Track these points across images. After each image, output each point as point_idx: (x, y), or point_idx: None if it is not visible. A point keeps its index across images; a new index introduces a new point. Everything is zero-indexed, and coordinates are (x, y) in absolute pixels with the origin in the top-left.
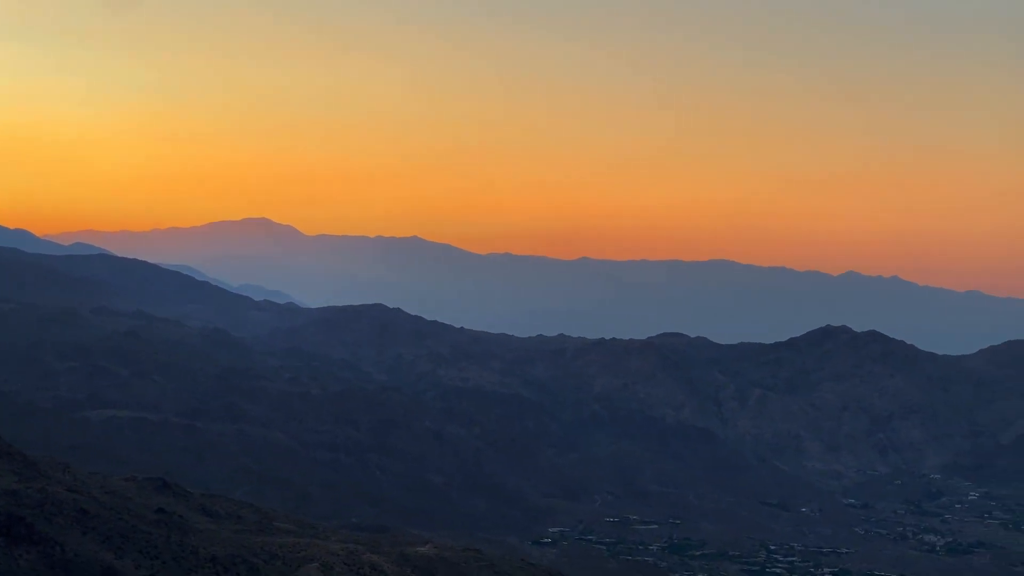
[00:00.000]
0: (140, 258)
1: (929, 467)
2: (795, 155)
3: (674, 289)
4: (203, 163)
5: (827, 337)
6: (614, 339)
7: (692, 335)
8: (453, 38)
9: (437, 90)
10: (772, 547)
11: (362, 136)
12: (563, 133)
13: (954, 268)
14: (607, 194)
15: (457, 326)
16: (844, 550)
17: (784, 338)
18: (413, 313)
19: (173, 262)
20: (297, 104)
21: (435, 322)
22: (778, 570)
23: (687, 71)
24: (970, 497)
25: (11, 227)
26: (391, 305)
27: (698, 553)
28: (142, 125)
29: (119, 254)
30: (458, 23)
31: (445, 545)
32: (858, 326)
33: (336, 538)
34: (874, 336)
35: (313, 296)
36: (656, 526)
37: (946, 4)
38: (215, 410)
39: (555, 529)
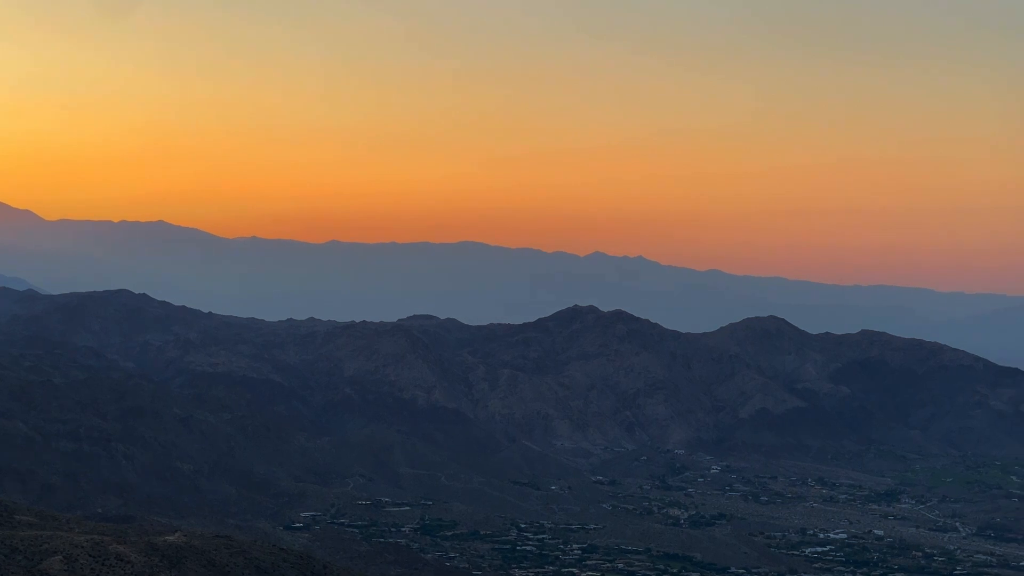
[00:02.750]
0: None
1: (673, 443)
2: (542, 135)
3: (423, 271)
4: None
5: (575, 317)
6: (364, 322)
7: (442, 317)
8: (193, 20)
9: (179, 71)
10: (523, 525)
11: (104, 119)
12: (308, 115)
13: (695, 248)
14: (355, 177)
15: (206, 311)
16: (592, 526)
17: (533, 319)
18: (160, 299)
19: None
20: (34, 84)
21: (183, 307)
22: (528, 547)
23: (425, 50)
24: (712, 471)
25: None
26: (137, 291)
27: (450, 533)
28: None
29: None
30: (198, 2)
31: (194, 533)
32: (605, 306)
33: (81, 529)
34: (620, 315)
35: (55, 282)
36: (408, 507)
37: None
38: None
39: (307, 513)
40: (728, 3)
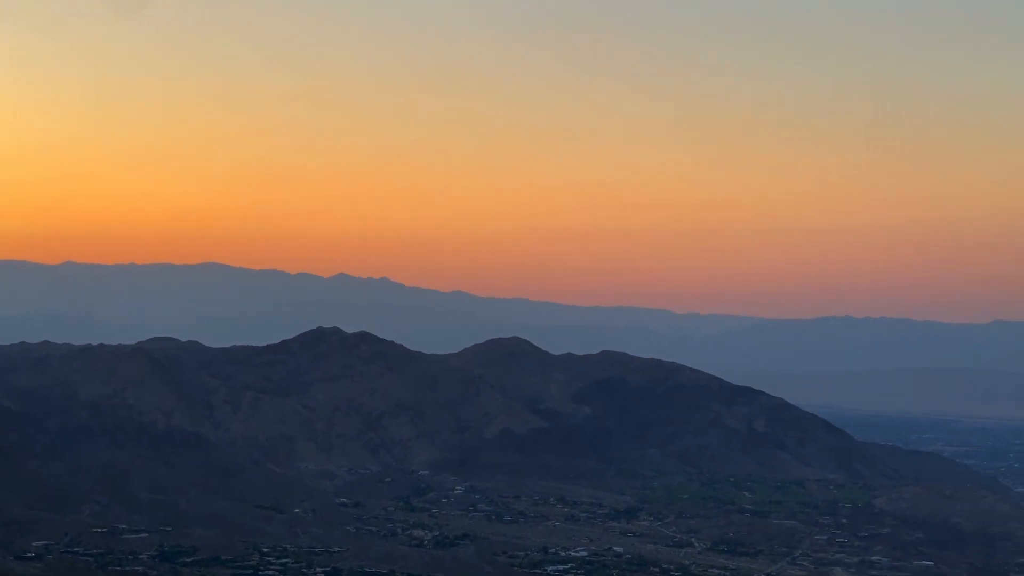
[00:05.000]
0: None
1: (418, 464)
2: (285, 154)
3: (165, 293)
4: None
5: (319, 339)
6: (102, 345)
7: (184, 339)
8: None
9: None
10: (265, 549)
11: None
12: (42, 129)
13: (439, 270)
14: (92, 195)
15: None
16: (336, 549)
17: (277, 340)
18: None
19: None
20: None
21: None
22: (271, 572)
23: (164, 62)
24: (456, 491)
25: None
26: None
27: (190, 559)
28: None
29: None
30: None
31: None
32: (350, 327)
33: None
34: (365, 337)
35: None
36: (146, 534)
37: None
38: None
39: (39, 542)
40: (477, 14)
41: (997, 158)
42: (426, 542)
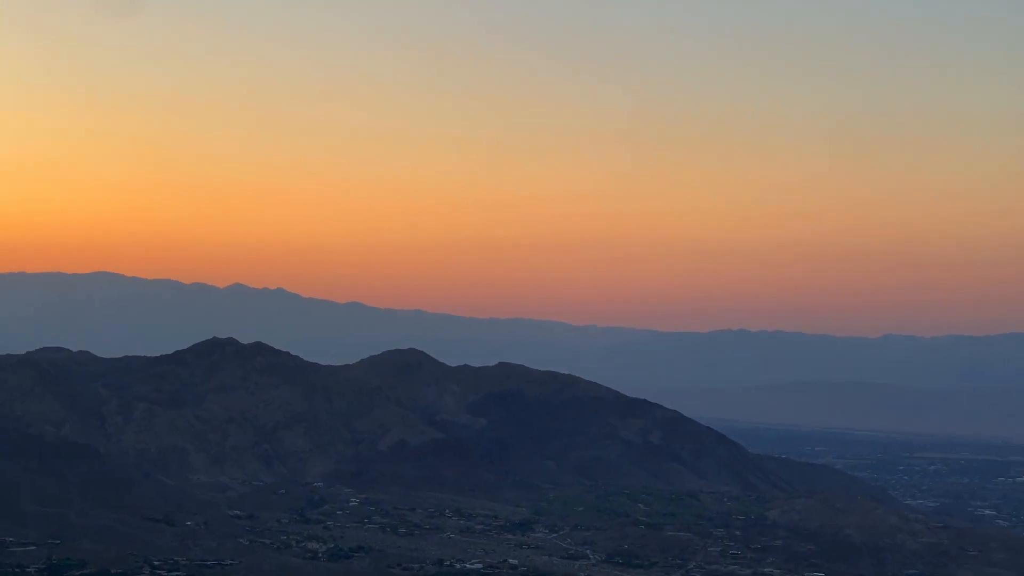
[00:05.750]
0: None
1: (312, 475)
2: (180, 163)
3: (55, 302)
4: None
5: (214, 349)
6: None
7: (75, 349)
8: None
9: None
10: (156, 563)
11: None
12: None
13: (336, 281)
14: None
15: None
16: (229, 561)
17: (170, 351)
18: None
19: None
20: None
21: None
22: None
23: (60, 72)
24: (351, 503)
25: None
26: None
27: (78, 573)
28: None
29: None
30: None
31: None
32: (245, 338)
33: None
34: (260, 348)
35: None
36: (34, 547)
37: None
38: None
39: None
40: (383, 20)
41: (888, 174)
42: (320, 555)
